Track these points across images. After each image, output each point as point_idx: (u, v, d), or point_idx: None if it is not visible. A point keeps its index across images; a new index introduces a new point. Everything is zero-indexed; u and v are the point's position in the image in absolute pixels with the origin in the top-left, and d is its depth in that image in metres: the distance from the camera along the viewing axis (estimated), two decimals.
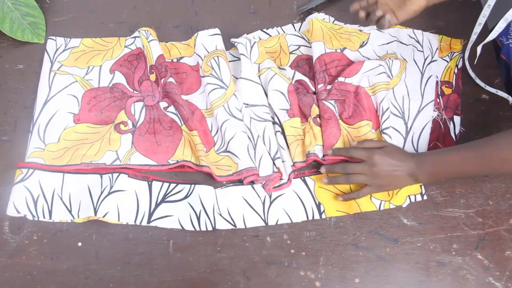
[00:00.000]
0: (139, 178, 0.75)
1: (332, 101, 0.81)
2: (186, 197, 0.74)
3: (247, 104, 0.80)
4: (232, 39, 0.85)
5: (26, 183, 0.74)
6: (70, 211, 0.73)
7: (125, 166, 0.76)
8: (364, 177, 0.71)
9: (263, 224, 0.73)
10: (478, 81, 0.82)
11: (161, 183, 0.75)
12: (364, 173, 0.71)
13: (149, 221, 0.73)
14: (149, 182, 0.75)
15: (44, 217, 0.73)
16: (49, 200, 0.74)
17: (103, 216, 0.71)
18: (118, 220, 0.72)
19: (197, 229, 0.72)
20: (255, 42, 0.84)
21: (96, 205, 0.72)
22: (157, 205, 0.74)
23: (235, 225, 0.73)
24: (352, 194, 0.73)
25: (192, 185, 0.75)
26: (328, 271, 0.70)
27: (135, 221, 0.72)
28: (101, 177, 0.75)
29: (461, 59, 0.86)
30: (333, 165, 0.74)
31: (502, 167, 0.64)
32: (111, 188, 0.73)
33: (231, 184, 0.76)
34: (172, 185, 0.75)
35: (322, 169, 0.75)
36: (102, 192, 0.73)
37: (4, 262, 0.70)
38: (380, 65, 0.82)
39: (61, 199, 0.74)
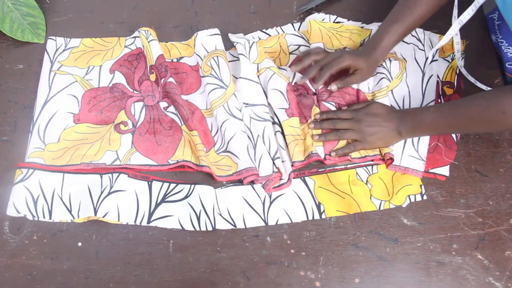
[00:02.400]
0: (139, 178, 0.75)
1: (333, 103, 0.81)
2: (186, 197, 0.74)
3: (247, 104, 0.80)
4: (229, 34, 0.85)
5: (26, 183, 0.74)
6: (70, 211, 0.73)
7: (125, 166, 0.76)
8: (353, 133, 0.75)
9: (263, 224, 0.73)
10: (478, 84, 0.83)
11: (161, 183, 0.75)
12: (353, 128, 0.75)
13: (149, 221, 0.73)
14: (149, 182, 0.75)
15: (44, 217, 0.73)
16: (49, 200, 0.74)
17: (103, 216, 0.71)
18: (118, 220, 0.72)
19: (197, 229, 0.72)
20: (254, 42, 0.84)
21: (96, 205, 0.72)
22: (157, 205, 0.74)
23: (235, 225, 0.73)
24: (345, 148, 0.76)
25: (192, 185, 0.75)
26: (328, 271, 0.70)
27: (135, 221, 0.72)
28: (101, 177, 0.75)
29: (463, 60, 0.86)
30: (322, 122, 0.77)
31: (471, 126, 0.69)
32: (111, 188, 0.73)
33: (231, 184, 0.76)
34: (172, 185, 0.75)
35: (311, 125, 0.77)
36: (102, 192, 0.73)
37: (4, 262, 0.70)
38: (378, 72, 0.82)
39: (61, 199, 0.74)
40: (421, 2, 0.75)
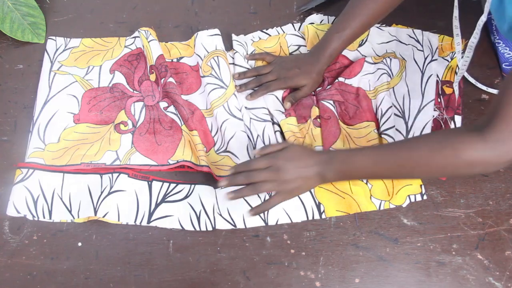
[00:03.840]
0: (139, 178, 0.75)
1: (331, 101, 0.81)
2: (186, 197, 0.74)
3: (246, 107, 0.80)
4: (233, 36, 0.86)
5: (26, 183, 0.74)
6: (70, 211, 0.73)
7: (125, 166, 0.76)
8: (271, 185, 0.64)
9: (263, 224, 0.73)
10: (479, 85, 0.83)
11: (161, 183, 0.75)
12: (271, 179, 0.64)
13: (149, 221, 0.73)
14: (149, 182, 0.75)
15: (44, 217, 0.73)
16: (49, 200, 0.74)
17: (103, 216, 0.71)
18: (118, 220, 0.72)
19: (197, 229, 0.72)
20: (253, 50, 0.86)
21: (96, 205, 0.72)
22: (157, 205, 0.74)
23: (235, 225, 0.73)
24: (261, 206, 0.66)
25: (192, 185, 0.75)
26: (328, 271, 0.70)
27: (135, 221, 0.72)
28: (101, 177, 0.75)
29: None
30: (235, 176, 0.65)
31: (416, 172, 0.61)
32: (111, 188, 0.73)
33: None
34: (172, 185, 0.75)
35: (223, 182, 0.65)
36: (102, 192, 0.73)
37: (4, 262, 0.70)
38: (379, 68, 0.82)
39: (61, 199, 0.74)
40: (363, 12, 0.74)
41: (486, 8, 0.65)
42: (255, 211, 0.66)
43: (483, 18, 0.66)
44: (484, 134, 0.54)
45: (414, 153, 0.60)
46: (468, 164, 0.55)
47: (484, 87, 0.82)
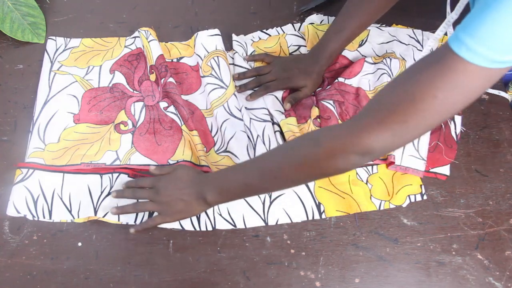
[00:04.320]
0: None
1: (331, 101, 0.81)
2: None
3: (246, 108, 0.80)
4: (233, 36, 0.86)
5: (26, 183, 0.74)
6: (70, 211, 0.73)
7: (125, 166, 0.76)
8: (152, 205, 0.67)
9: (263, 224, 0.73)
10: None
11: None
12: (152, 199, 0.67)
13: None
14: None
15: (44, 217, 0.73)
16: (49, 200, 0.74)
17: (103, 216, 0.71)
18: (118, 220, 0.72)
19: (197, 229, 0.72)
20: (253, 51, 0.86)
21: (96, 205, 0.72)
22: None
23: (235, 225, 0.73)
24: (143, 223, 0.68)
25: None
26: (328, 271, 0.70)
27: (135, 221, 0.72)
28: (101, 177, 0.75)
29: None
30: (123, 190, 0.70)
31: (284, 172, 0.58)
32: (111, 188, 0.73)
33: None
34: None
35: (113, 193, 0.70)
36: (102, 192, 0.73)
37: (4, 262, 0.70)
38: (379, 68, 0.82)
39: (61, 199, 0.74)
40: (361, 11, 0.74)
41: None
42: (136, 228, 0.68)
43: (453, 16, 0.66)
44: (345, 122, 0.54)
45: (275, 152, 0.60)
46: (328, 152, 0.53)
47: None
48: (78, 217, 0.73)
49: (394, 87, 0.50)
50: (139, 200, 0.70)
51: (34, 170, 0.75)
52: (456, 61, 0.43)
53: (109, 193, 0.73)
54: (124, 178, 0.74)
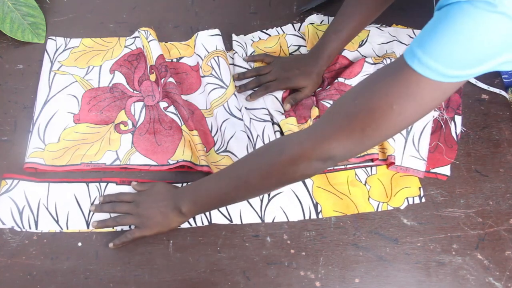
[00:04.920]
0: (128, 184, 0.75)
1: (331, 101, 0.81)
2: None
3: (246, 108, 0.80)
4: (233, 36, 0.86)
5: (11, 194, 0.73)
6: (57, 222, 0.72)
7: (125, 166, 0.76)
8: (131, 218, 0.69)
9: (259, 221, 0.73)
10: (480, 84, 0.83)
11: None
12: (131, 213, 0.69)
13: None
14: None
15: (30, 228, 0.71)
16: (34, 211, 0.72)
17: (96, 228, 0.71)
18: (113, 228, 0.72)
19: (193, 225, 0.72)
20: (253, 51, 0.86)
21: (88, 218, 0.72)
22: None
23: (231, 220, 0.73)
24: (121, 237, 0.69)
25: (185, 184, 0.75)
26: (328, 271, 0.70)
27: (130, 226, 0.72)
28: (88, 186, 0.74)
29: None
30: (102, 204, 0.72)
31: (249, 186, 0.60)
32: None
33: None
34: None
35: (91, 207, 0.72)
36: (92, 204, 0.73)
37: (4, 262, 0.70)
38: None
39: (47, 209, 0.73)
40: (359, 10, 0.74)
41: None
42: (115, 243, 0.69)
43: None
44: (307, 129, 0.55)
45: (245, 160, 0.62)
46: (291, 159, 0.55)
47: (484, 86, 0.82)
48: (67, 228, 0.72)
49: (353, 96, 0.51)
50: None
51: (19, 180, 0.74)
52: (410, 73, 0.45)
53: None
54: (112, 187, 0.74)
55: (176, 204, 0.67)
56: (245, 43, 0.87)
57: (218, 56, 0.82)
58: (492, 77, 0.84)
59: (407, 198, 0.75)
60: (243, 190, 0.62)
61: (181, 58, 0.86)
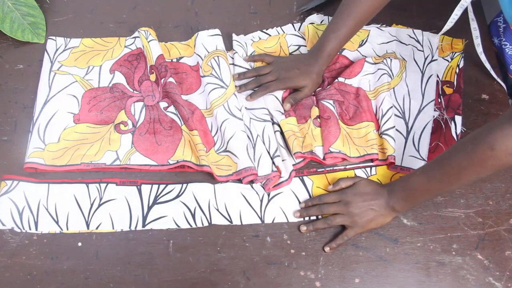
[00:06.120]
0: (128, 184, 0.75)
1: (331, 101, 0.81)
2: (178, 196, 0.74)
3: (246, 108, 0.80)
4: (233, 35, 0.86)
5: (11, 195, 0.73)
6: (57, 222, 0.72)
7: (125, 166, 0.76)
8: (342, 218, 0.70)
9: (259, 221, 0.73)
10: (493, 72, 0.83)
11: (150, 185, 0.75)
12: (341, 212, 0.70)
13: (144, 225, 0.72)
14: (138, 187, 0.75)
15: (30, 229, 0.71)
16: (34, 212, 0.72)
17: (96, 228, 0.71)
18: (113, 229, 0.72)
19: (193, 226, 0.72)
20: (253, 51, 0.86)
21: (88, 218, 0.72)
22: (149, 208, 0.73)
23: (231, 221, 0.73)
24: (336, 240, 0.70)
25: (184, 184, 0.75)
26: (328, 271, 0.70)
27: (129, 227, 0.72)
28: (88, 187, 0.74)
29: (462, 59, 0.86)
30: (308, 208, 0.73)
31: (464, 175, 0.61)
32: (100, 199, 0.73)
33: (231, 180, 0.76)
34: (162, 186, 0.75)
35: (296, 214, 0.73)
36: (92, 205, 0.73)
37: (4, 262, 0.70)
38: (379, 69, 0.82)
39: (47, 209, 0.72)
40: (357, 9, 0.75)
41: None
42: (331, 246, 0.70)
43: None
44: (503, 121, 0.56)
45: (453, 159, 0.62)
46: (506, 151, 0.56)
47: (496, 76, 0.83)
48: (67, 229, 0.72)
49: None
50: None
51: (19, 181, 0.74)
52: None
53: (99, 205, 0.73)
54: (112, 188, 0.74)
55: (388, 202, 0.69)
56: (245, 43, 0.87)
57: (218, 56, 0.82)
58: (492, 77, 0.84)
59: None
60: (455, 184, 0.64)
61: (181, 58, 0.86)
